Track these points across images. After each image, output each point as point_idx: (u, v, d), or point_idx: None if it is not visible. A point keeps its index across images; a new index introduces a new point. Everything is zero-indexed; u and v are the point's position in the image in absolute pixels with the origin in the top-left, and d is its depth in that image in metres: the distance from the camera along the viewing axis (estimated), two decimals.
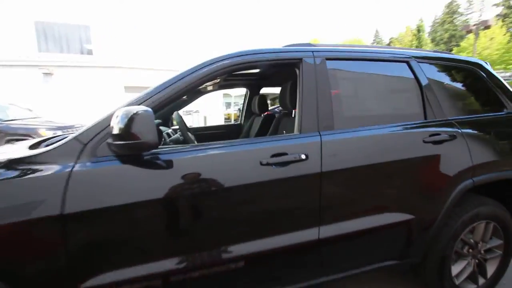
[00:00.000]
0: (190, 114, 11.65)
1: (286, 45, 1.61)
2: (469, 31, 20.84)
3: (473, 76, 1.82)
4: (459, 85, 1.85)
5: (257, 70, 2.51)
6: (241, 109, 3.19)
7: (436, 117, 1.57)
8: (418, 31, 37.57)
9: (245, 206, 1.23)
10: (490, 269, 1.71)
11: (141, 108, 1.01)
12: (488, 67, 1.88)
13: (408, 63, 1.61)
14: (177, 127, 2.42)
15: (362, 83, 1.58)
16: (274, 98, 11.15)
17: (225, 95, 15.77)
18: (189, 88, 1.22)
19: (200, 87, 1.48)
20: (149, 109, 1.02)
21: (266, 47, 1.40)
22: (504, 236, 1.69)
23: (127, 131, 0.98)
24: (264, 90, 3.13)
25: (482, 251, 1.68)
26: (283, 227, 1.26)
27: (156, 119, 1.80)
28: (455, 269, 1.63)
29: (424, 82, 1.60)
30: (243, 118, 3.09)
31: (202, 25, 14.43)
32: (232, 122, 15.14)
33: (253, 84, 2.95)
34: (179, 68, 1.28)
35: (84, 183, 1.02)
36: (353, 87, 1.55)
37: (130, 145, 1.00)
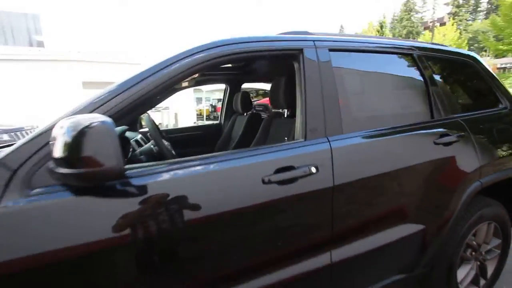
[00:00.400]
0: (158, 111, 10.85)
1: (280, 33, 1.37)
2: (427, 28, 22.30)
3: (470, 70, 1.74)
4: (458, 80, 1.77)
5: (239, 63, 2.23)
6: (221, 106, 2.89)
7: (442, 115, 1.45)
8: (381, 27, 39.40)
9: (247, 237, 0.98)
10: (490, 269, 1.67)
11: (96, 117, 0.72)
12: (481, 60, 1.82)
13: (412, 55, 1.46)
14: (146, 129, 2.08)
15: (369, 78, 1.39)
16: None
17: (196, 90, 15.03)
18: (160, 89, 0.93)
19: (176, 85, 1.19)
20: (108, 119, 0.72)
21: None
22: (502, 235, 1.66)
23: (75, 154, 0.68)
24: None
25: (483, 253, 1.63)
26: (292, 255, 1.05)
27: (119, 126, 1.46)
28: (460, 274, 1.56)
29: (428, 76, 1.47)
30: (223, 117, 2.80)
31: (171, 15, 13.60)
32: (205, 119, 14.62)
33: (234, 79, 2.67)
34: (145, 62, 0.98)
35: (15, 229, 0.70)
36: (359, 83, 1.36)
37: (80, 175, 0.69)
